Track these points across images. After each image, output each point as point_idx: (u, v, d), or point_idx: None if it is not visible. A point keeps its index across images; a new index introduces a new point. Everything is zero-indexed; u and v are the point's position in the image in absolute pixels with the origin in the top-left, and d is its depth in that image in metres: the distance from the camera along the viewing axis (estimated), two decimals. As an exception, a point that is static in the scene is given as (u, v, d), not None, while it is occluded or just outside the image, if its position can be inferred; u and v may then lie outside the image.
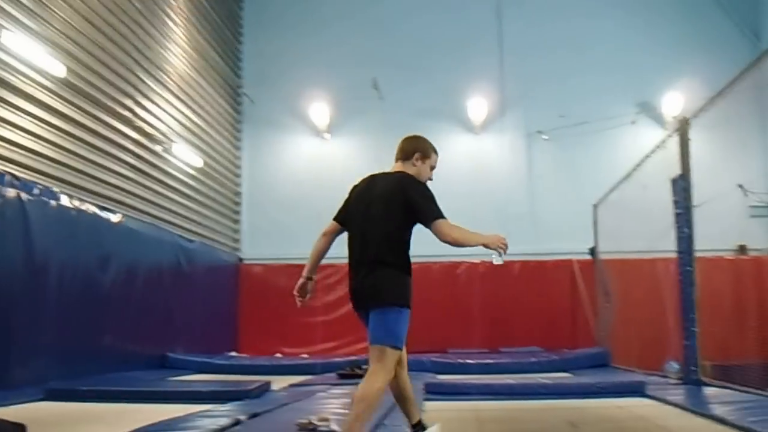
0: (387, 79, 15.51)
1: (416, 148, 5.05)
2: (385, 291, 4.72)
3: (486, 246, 4.63)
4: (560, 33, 15.82)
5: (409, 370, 12.33)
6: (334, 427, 5.19)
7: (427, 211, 4.70)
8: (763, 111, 14.89)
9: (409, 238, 4.92)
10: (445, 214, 13.08)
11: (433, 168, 5.12)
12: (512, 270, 14.20)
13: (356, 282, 4.85)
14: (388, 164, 16.59)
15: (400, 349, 4.72)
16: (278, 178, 15.89)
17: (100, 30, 9.96)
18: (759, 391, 7.58)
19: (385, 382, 4.53)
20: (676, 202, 9.10)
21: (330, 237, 5.21)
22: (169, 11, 12.31)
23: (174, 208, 12.35)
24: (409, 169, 5.02)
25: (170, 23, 12.35)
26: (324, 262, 15.77)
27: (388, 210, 4.77)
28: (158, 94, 11.80)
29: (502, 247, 4.55)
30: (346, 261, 14.69)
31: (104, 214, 9.74)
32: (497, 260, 4.59)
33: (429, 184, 5.10)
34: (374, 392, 4.44)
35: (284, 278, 14.91)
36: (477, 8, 16.04)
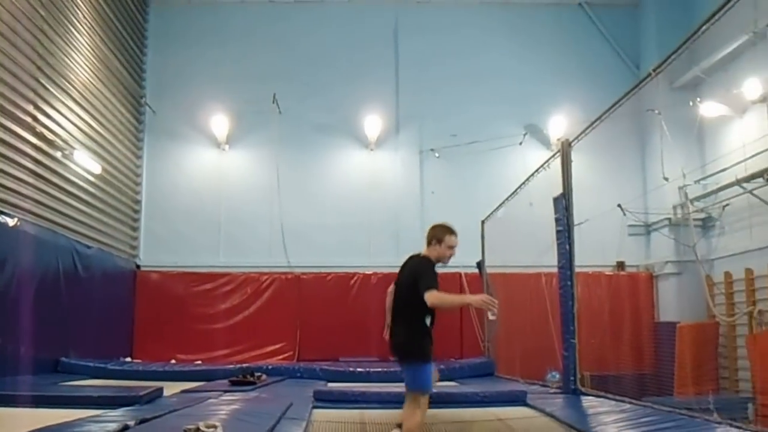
0: (286, 95, 15.87)
1: (434, 236, 6.23)
2: (412, 351, 5.97)
3: (471, 305, 5.79)
4: (454, 56, 16.53)
5: (300, 377, 12.72)
6: None
7: (422, 283, 5.77)
8: (641, 135, 15.96)
9: (426, 308, 5.87)
10: (340, 226, 13.92)
11: (451, 247, 6.22)
12: (404, 282, 14.54)
13: (393, 338, 6.18)
14: (285, 177, 17.26)
15: (428, 392, 6.10)
16: (178, 188, 15.96)
17: (2, 35, 9.93)
18: (632, 400, 8.07)
19: (422, 417, 5.99)
20: (557, 220, 9.54)
21: (391, 296, 6.36)
22: (73, 20, 12.30)
23: (72, 213, 12.29)
24: (431, 251, 6.19)
25: (74, 32, 12.35)
26: (221, 271, 16.20)
27: (409, 283, 5.97)
28: (60, 100, 11.78)
29: (490, 307, 5.82)
30: (240, 271, 15.25)
31: (0, 218, 9.66)
32: (492, 317, 6.13)
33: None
34: (415, 426, 5.84)
35: (181, 286, 15.15)
36: (375, 29, 16.62)
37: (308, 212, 15.75)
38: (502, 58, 16.59)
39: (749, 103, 12.97)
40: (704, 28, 6.84)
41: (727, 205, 13.42)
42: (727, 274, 13.32)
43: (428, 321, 5.95)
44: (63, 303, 11.52)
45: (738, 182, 12.40)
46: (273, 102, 15.66)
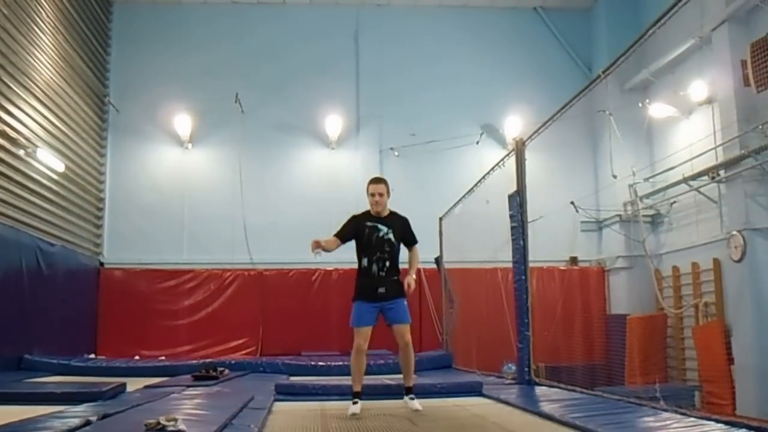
0: (249, 94, 16.04)
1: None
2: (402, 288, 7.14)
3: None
4: (413, 58, 16.84)
5: (263, 371, 12.86)
6: (181, 426, 5.28)
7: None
8: (593, 135, 16.40)
9: (359, 252, 7.20)
10: (302, 223, 14.16)
11: (371, 194, 7.17)
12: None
13: (388, 279, 7.14)
14: (248, 175, 17.47)
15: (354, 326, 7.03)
16: (141, 186, 16.01)
17: (-35, 34, 9.94)
18: (583, 390, 8.33)
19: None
20: (512, 217, 9.78)
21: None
22: (36, 19, 12.31)
23: (35, 211, 12.29)
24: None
25: (38, 30, 12.36)
26: (184, 268, 16.30)
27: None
28: (23, 99, 11.78)
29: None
30: (203, 268, 15.46)
31: (-37, 216, 9.62)
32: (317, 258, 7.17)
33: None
34: None
35: (145, 283, 15.22)
36: (336, 30, 16.86)
37: (270, 210, 15.93)
38: (460, 59, 16.93)
39: (695, 105, 13.43)
40: (651, 31, 7.14)
41: (675, 202, 13.87)
42: (675, 268, 13.78)
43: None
44: (26, 300, 11.49)
45: (685, 180, 12.83)
46: (236, 101, 15.81)
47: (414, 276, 7.09)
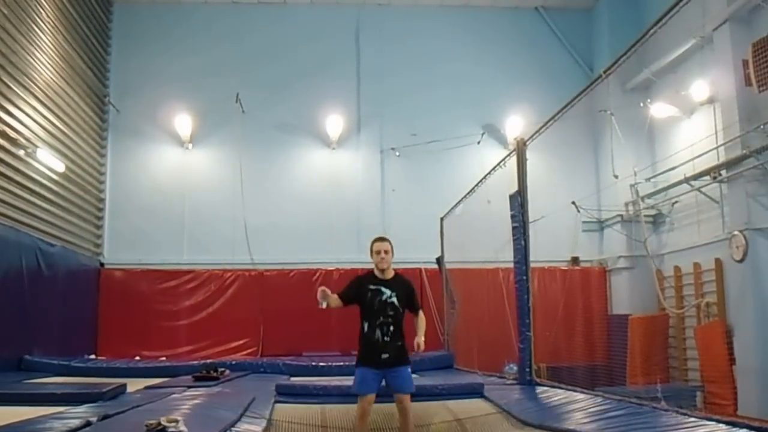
0: (249, 94, 16.04)
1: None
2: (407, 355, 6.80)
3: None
4: (414, 58, 16.85)
5: (264, 372, 12.83)
6: (182, 427, 5.34)
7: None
8: (594, 135, 16.39)
9: (362, 315, 6.78)
10: (302, 224, 14.18)
11: (377, 252, 6.84)
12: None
13: (393, 345, 6.71)
14: (248, 175, 17.42)
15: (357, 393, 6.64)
16: (141, 186, 16.01)
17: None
18: (584, 390, 8.29)
19: None
20: (513, 217, 9.78)
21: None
22: (37, 19, 12.31)
23: (36, 212, 12.29)
24: None
25: (38, 31, 12.36)
26: (184, 268, 16.28)
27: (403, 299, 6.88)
28: (23, 99, 11.78)
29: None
30: (204, 268, 15.43)
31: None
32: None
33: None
34: None
35: (145, 283, 15.22)
36: (337, 30, 16.87)
37: (271, 210, 15.91)
38: (461, 59, 16.92)
39: (697, 105, 13.41)
40: (652, 31, 7.14)
41: (676, 202, 13.85)
42: (677, 268, 13.75)
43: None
44: (26, 301, 11.50)
45: (686, 180, 12.81)
46: (236, 101, 15.80)
47: (422, 338, 6.72)
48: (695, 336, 12.70)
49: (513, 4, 17.15)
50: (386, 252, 6.83)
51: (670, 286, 13.87)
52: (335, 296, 6.71)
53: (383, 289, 6.72)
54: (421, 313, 6.98)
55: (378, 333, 6.61)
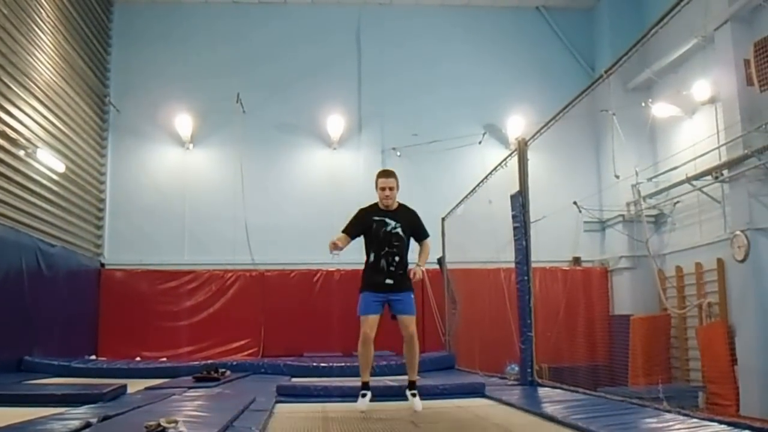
0: (250, 94, 16.00)
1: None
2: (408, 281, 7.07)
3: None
4: (415, 57, 16.82)
5: (265, 373, 12.81)
6: (182, 428, 5.28)
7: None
8: (596, 135, 16.37)
9: (368, 246, 7.05)
10: (303, 224, 14.13)
11: (381, 189, 7.05)
12: (366, 278, 14.64)
13: (396, 271, 7.00)
14: (249, 175, 17.36)
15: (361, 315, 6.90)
16: (142, 186, 15.98)
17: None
18: (586, 390, 8.31)
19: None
20: (514, 217, 9.75)
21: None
22: (37, 19, 12.28)
23: (36, 212, 12.27)
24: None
25: (38, 30, 12.33)
26: (185, 268, 16.22)
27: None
28: (23, 99, 11.76)
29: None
30: (205, 268, 15.37)
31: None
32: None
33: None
34: None
35: (146, 283, 15.19)
36: (338, 30, 16.84)
37: (272, 210, 15.89)
38: (462, 59, 16.89)
39: (698, 104, 13.40)
40: (653, 31, 7.12)
41: (678, 202, 13.85)
42: (678, 268, 13.74)
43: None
44: (26, 302, 11.47)
45: (688, 180, 12.80)
46: (237, 101, 15.78)
47: (423, 266, 6.96)
48: (697, 336, 12.69)
49: (514, 3, 17.13)
50: (391, 189, 6.97)
51: (671, 286, 13.85)
52: (342, 235, 6.88)
53: (387, 220, 6.90)
54: (427, 241, 7.18)
55: (383, 262, 6.79)
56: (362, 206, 7.36)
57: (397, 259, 6.84)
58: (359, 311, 6.88)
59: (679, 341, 13.76)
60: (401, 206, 7.13)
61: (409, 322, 6.89)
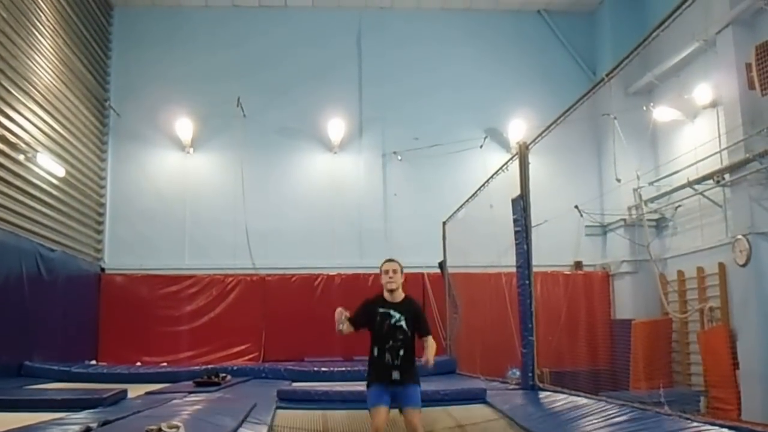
0: (250, 98, 16.00)
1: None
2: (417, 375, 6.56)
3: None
4: (416, 61, 16.79)
5: (265, 377, 12.77)
6: None
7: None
8: (597, 139, 16.36)
9: (372, 339, 6.54)
10: (304, 228, 14.07)
11: (386, 272, 6.54)
12: (366, 282, 14.63)
13: (405, 367, 6.46)
14: (250, 179, 17.41)
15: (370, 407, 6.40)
16: (142, 190, 15.96)
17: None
18: (587, 395, 8.28)
19: None
20: (515, 221, 9.77)
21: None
22: (36, 23, 12.27)
23: (36, 217, 12.25)
24: None
25: (37, 34, 12.32)
26: (186, 273, 16.26)
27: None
28: (23, 103, 11.74)
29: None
30: (205, 273, 15.36)
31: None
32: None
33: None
34: None
35: (146, 288, 15.17)
36: (338, 34, 16.83)
37: (273, 214, 15.86)
38: (464, 63, 16.87)
39: (700, 108, 13.38)
40: (654, 34, 7.12)
41: (680, 206, 13.82)
42: (680, 273, 13.69)
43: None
44: (26, 306, 11.45)
45: (689, 184, 12.77)
46: (237, 105, 15.76)
47: (432, 357, 6.44)
48: (698, 340, 12.66)
49: (515, 7, 17.10)
50: (395, 272, 6.58)
51: (673, 291, 13.81)
52: (347, 323, 6.55)
53: (392, 312, 6.54)
54: (430, 338, 6.69)
55: (388, 357, 6.46)
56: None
57: (401, 353, 6.47)
58: (368, 403, 6.49)
59: (680, 345, 13.72)
60: (407, 298, 6.74)
61: (415, 414, 6.49)
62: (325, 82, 16.50)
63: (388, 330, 6.46)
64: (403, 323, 6.47)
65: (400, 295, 6.62)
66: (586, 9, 17.08)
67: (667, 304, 13.43)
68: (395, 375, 6.39)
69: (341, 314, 6.46)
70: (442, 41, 17.00)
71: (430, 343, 6.58)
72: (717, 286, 12.38)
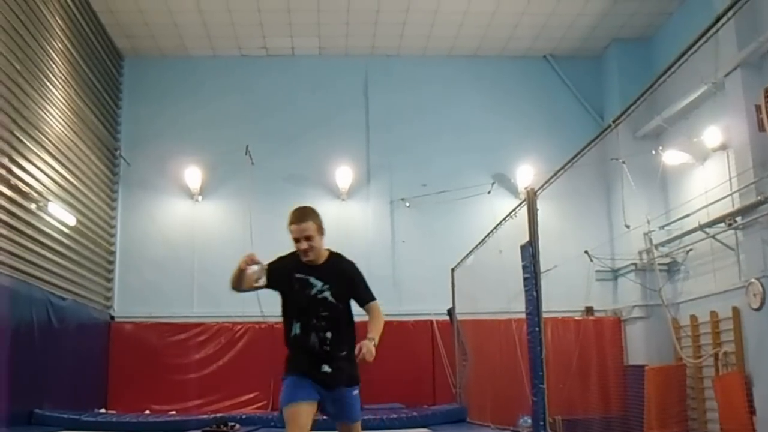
0: (258, 146, 16.01)
1: None
2: (357, 373, 5.28)
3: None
4: (423, 108, 16.87)
5: (274, 426, 12.62)
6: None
7: None
8: (606, 183, 16.33)
9: (286, 312, 5.27)
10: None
11: (294, 238, 5.29)
12: (376, 329, 14.51)
13: (336, 358, 5.25)
14: (258, 227, 17.44)
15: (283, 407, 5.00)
16: (152, 239, 16.00)
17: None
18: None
19: None
20: (524, 267, 9.62)
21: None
22: (48, 74, 12.43)
23: (47, 265, 12.27)
24: None
25: (49, 85, 12.48)
26: (194, 321, 16.24)
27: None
28: (35, 153, 11.85)
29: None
30: (214, 321, 15.36)
31: (-26, 271, 9.61)
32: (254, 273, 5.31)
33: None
34: None
35: (155, 336, 15.11)
36: (345, 82, 16.93)
37: (280, 262, 15.79)
38: (471, 109, 16.93)
39: (710, 151, 13.32)
40: (662, 79, 7.13)
41: (691, 249, 13.70)
42: (693, 317, 13.54)
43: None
44: (37, 354, 11.45)
45: (701, 227, 12.68)
46: (246, 153, 15.81)
47: (375, 340, 4.88)
48: (713, 386, 12.46)
49: (521, 52, 17.20)
50: (308, 238, 5.09)
51: (686, 336, 13.66)
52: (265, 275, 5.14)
53: (312, 279, 5.11)
54: (373, 305, 5.17)
55: (314, 338, 5.04)
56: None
57: (330, 334, 5.04)
58: (281, 403, 4.99)
59: (695, 392, 13.52)
60: (332, 258, 5.28)
61: (353, 430, 5.14)
62: (333, 129, 16.60)
63: (309, 302, 5.05)
64: (327, 293, 5.07)
65: (322, 256, 5.19)
66: (593, 53, 17.18)
67: (681, 349, 13.28)
68: (325, 368, 5.01)
69: (259, 263, 5.15)
70: (448, 87, 17.10)
71: (375, 314, 5.11)
72: (731, 330, 12.19)
